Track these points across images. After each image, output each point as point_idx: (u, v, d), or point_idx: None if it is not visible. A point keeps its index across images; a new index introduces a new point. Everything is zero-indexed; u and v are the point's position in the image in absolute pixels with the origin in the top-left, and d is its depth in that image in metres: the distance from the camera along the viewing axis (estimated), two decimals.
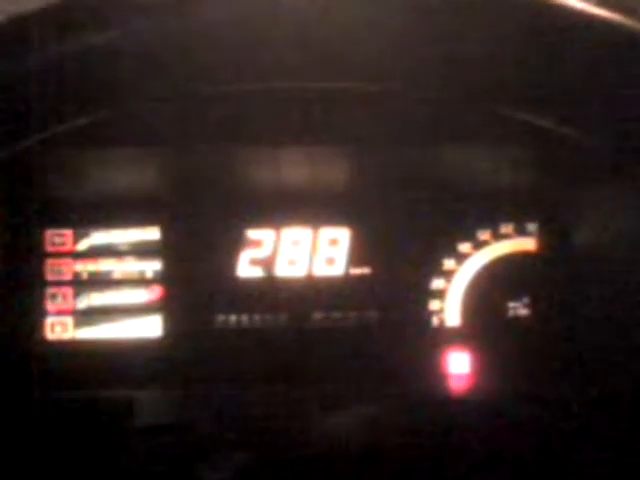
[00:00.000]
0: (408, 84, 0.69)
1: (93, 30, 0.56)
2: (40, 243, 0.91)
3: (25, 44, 0.56)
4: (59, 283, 0.91)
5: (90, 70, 0.62)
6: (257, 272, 0.92)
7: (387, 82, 0.68)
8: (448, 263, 0.91)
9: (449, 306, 0.91)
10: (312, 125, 0.76)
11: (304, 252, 0.92)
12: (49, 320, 0.91)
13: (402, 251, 0.91)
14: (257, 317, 0.91)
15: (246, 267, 0.92)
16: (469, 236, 0.91)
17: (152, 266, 0.92)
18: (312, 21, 0.56)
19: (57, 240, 0.91)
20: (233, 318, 0.91)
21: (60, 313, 0.91)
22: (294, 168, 0.87)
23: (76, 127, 0.72)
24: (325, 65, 0.65)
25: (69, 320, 0.91)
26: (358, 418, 0.87)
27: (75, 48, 0.59)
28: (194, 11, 0.55)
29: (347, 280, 0.92)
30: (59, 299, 0.91)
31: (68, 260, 0.91)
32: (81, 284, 0.91)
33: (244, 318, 0.91)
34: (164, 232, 0.92)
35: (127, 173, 0.87)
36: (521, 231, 0.92)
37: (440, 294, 0.91)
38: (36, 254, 0.90)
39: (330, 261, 0.92)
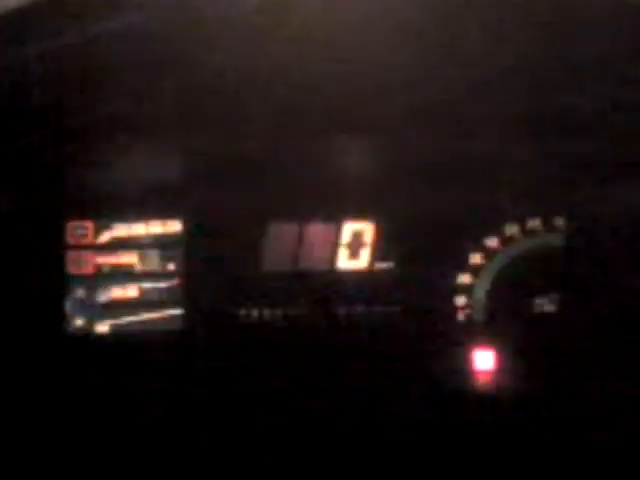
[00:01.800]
0: (436, 77, 0.68)
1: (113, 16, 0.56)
2: (62, 235, 0.90)
3: (41, 32, 0.56)
4: (80, 275, 0.90)
5: (114, 59, 0.62)
6: (281, 266, 0.91)
7: (416, 75, 0.67)
8: (474, 258, 0.90)
9: (475, 302, 0.90)
10: (336, 118, 0.76)
11: (328, 246, 0.90)
12: (70, 312, 0.90)
13: (427, 246, 0.90)
14: (280, 311, 0.90)
15: (269, 261, 0.90)
16: (496, 231, 0.90)
17: (173, 259, 0.91)
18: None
19: (79, 232, 0.90)
20: (256, 312, 0.90)
21: (81, 305, 0.90)
22: (318, 162, 0.86)
23: (98, 118, 0.72)
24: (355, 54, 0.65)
25: (90, 312, 0.90)
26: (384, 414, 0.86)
27: (102, 35, 0.58)
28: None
29: (371, 274, 0.90)
30: (80, 291, 0.90)
31: (89, 252, 0.91)
32: (102, 277, 0.91)
33: (267, 312, 0.90)
34: (186, 225, 0.91)
35: (149, 165, 0.87)
36: (549, 226, 0.90)
37: (466, 289, 0.90)
38: (57, 246, 0.90)
39: (354, 255, 0.90)
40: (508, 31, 0.59)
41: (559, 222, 0.90)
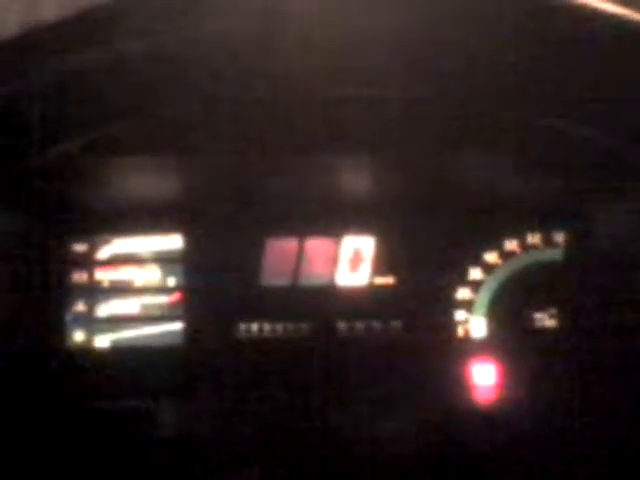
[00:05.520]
0: (435, 92, 0.68)
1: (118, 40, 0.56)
2: (62, 251, 0.90)
3: (42, 55, 0.56)
4: (80, 290, 0.90)
5: (108, 81, 0.62)
6: (280, 281, 0.91)
7: (416, 90, 0.67)
8: (474, 273, 0.90)
9: (475, 317, 0.90)
10: (336, 133, 0.76)
11: (327, 261, 0.91)
12: (70, 327, 0.90)
13: (427, 260, 0.90)
14: (280, 326, 0.90)
15: (269, 276, 0.90)
16: (496, 246, 0.90)
17: (174, 274, 0.91)
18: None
19: (79, 248, 0.90)
20: (255, 327, 0.90)
21: (81, 320, 0.90)
22: (318, 177, 0.86)
23: (98, 136, 0.72)
24: (351, 73, 0.65)
25: (90, 327, 0.90)
26: (384, 429, 0.86)
27: (96, 60, 0.58)
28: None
29: (371, 289, 0.90)
30: (80, 306, 0.90)
31: (89, 268, 0.91)
32: (102, 291, 0.91)
33: (267, 327, 0.90)
34: (186, 240, 0.91)
35: (149, 181, 0.87)
36: (548, 241, 0.90)
37: (466, 304, 0.90)
38: (58, 262, 0.90)
39: (354, 270, 0.90)
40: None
41: (559, 237, 0.90)
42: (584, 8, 0.52)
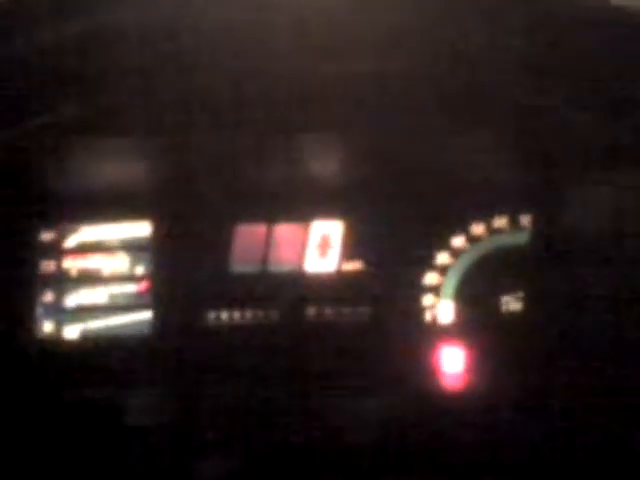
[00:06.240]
0: (405, 71, 0.68)
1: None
2: (30, 239, 0.89)
3: (18, 28, 0.56)
4: (48, 279, 0.90)
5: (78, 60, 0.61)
6: (249, 267, 0.91)
7: (385, 68, 0.68)
8: (442, 257, 0.91)
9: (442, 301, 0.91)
10: (303, 115, 0.76)
11: (296, 246, 0.91)
12: (38, 317, 0.89)
13: (394, 245, 0.90)
14: (249, 313, 0.90)
15: (238, 262, 0.90)
16: (463, 230, 0.91)
17: (142, 262, 0.91)
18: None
19: (46, 236, 0.90)
20: (225, 314, 0.90)
21: (49, 310, 0.89)
22: (285, 161, 0.86)
23: (65, 117, 0.72)
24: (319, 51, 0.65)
25: (58, 317, 0.90)
26: (353, 415, 0.86)
27: (68, 34, 0.58)
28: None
29: (340, 275, 0.91)
30: (48, 296, 0.90)
31: (57, 256, 0.90)
32: (70, 281, 0.90)
33: (236, 314, 0.90)
34: (154, 227, 0.90)
35: (116, 168, 0.86)
36: (515, 224, 0.91)
37: (434, 289, 0.91)
38: (26, 250, 0.89)
39: (322, 256, 0.91)
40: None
41: (525, 220, 0.91)
42: None
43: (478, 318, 0.90)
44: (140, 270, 0.91)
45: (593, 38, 0.54)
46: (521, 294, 0.90)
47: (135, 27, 0.58)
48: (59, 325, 0.90)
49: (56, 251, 0.90)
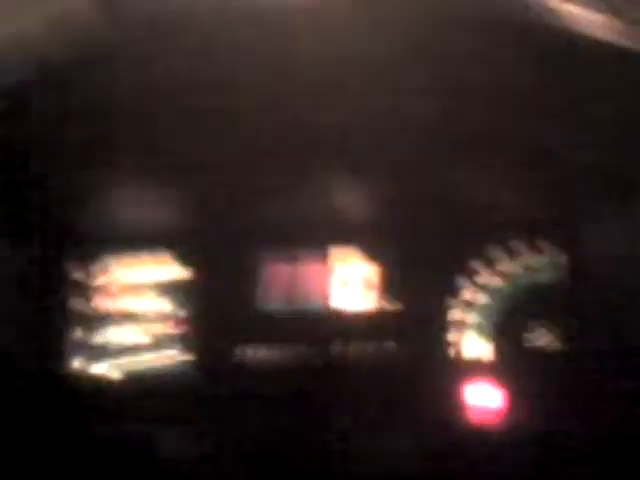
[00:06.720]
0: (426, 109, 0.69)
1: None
2: (62, 277, 0.91)
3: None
4: (79, 317, 0.92)
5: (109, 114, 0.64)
6: (277, 305, 0.92)
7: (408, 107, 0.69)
8: (467, 293, 0.91)
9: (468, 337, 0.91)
10: (329, 157, 0.77)
11: (322, 284, 0.92)
12: (69, 353, 0.91)
13: (420, 282, 0.91)
14: (276, 349, 0.91)
15: (266, 300, 0.92)
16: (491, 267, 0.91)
17: (171, 301, 0.92)
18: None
19: (79, 275, 0.92)
20: (252, 351, 0.91)
21: (79, 346, 0.91)
22: (311, 200, 0.87)
23: (98, 165, 0.74)
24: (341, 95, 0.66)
25: (89, 353, 0.91)
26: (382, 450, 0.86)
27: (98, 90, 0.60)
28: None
29: (365, 311, 0.91)
30: (79, 332, 0.91)
31: (88, 295, 0.92)
32: (101, 319, 0.92)
33: (263, 351, 0.91)
34: (183, 267, 0.92)
35: (147, 209, 0.88)
36: (541, 260, 0.91)
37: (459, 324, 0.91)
38: (58, 288, 0.91)
39: (348, 293, 0.91)
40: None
41: (560, 259, 0.91)
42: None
43: (506, 353, 0.90)
44: (169, 309, 0.92)
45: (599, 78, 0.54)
46: (550, 329, 0.90)
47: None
48: (88, 361, 0.91)
49: (87, 290, 0.92)
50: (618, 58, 0.57)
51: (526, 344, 0.90)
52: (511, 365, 0.90)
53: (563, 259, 0.91)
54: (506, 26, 0.56)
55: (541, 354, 0.90)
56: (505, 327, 0.91)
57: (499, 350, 0.91)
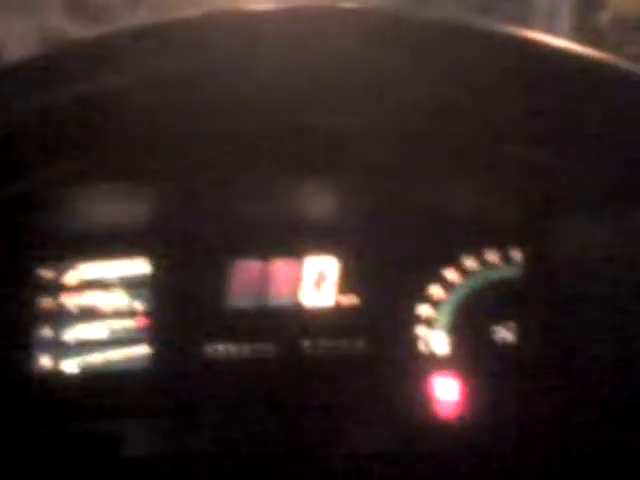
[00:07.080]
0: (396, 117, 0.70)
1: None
2: (28, 276, 0.90)
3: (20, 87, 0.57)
4: (46, 315, 0.91)
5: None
6: (246, 302, 0.92)
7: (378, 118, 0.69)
8: (434, 290, 0.92)
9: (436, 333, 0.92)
10: (299, 156, 0.77)
11: (292, 282, 0.92)
12: (35, 352, 0.90)
13: (388, 279, 0.92)
14: (246, 347, 0.91)
15: (235, 297, 0.92)
16: (455, 264, 0.92)
17: (140, 297, 0.92)
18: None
19: (45, 273, 0.91)
20: (222, 348, 0.91)
21: (46, 345, 0.90)
22: (281, 199, 0.88)
23: (62, 163, 0.73)
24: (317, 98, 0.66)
25: (56, 352, 0.90)
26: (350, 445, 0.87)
27: (67, 94, 0.59)
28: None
29: (335, 309, 0.92)
30: (46, 331, 0.90)
31: (55, 292, 0.91)
32: (68, 316, 0.91)
33: (233, 348, 0.91)
34: (152, 263, 0.92)
35: (114, 206, 0.88)
36: (506, 259, 0.92)
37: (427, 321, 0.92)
38: (24, 287, 0.90)
39: (318, 290, 0.92)
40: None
41: (516, 255, 0.92)
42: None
43: (471, 349, 0.92)
44: (138, 305, 0.92)
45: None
46: (513, 325, 0.92)
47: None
48: (56, 359, 0.91)
49: (55, 288, 0.91)
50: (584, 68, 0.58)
51: (487, 339, 0.92)
52: (473, 359, 0.91)
53: (524, 257, 0.92)
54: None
55: (501, 349, 0.92)
56: (467, 323, 0.92)
57: (462, 345, 0.92)
